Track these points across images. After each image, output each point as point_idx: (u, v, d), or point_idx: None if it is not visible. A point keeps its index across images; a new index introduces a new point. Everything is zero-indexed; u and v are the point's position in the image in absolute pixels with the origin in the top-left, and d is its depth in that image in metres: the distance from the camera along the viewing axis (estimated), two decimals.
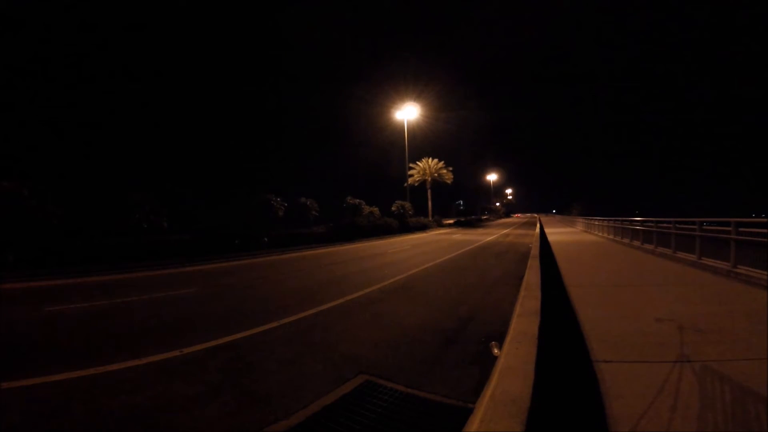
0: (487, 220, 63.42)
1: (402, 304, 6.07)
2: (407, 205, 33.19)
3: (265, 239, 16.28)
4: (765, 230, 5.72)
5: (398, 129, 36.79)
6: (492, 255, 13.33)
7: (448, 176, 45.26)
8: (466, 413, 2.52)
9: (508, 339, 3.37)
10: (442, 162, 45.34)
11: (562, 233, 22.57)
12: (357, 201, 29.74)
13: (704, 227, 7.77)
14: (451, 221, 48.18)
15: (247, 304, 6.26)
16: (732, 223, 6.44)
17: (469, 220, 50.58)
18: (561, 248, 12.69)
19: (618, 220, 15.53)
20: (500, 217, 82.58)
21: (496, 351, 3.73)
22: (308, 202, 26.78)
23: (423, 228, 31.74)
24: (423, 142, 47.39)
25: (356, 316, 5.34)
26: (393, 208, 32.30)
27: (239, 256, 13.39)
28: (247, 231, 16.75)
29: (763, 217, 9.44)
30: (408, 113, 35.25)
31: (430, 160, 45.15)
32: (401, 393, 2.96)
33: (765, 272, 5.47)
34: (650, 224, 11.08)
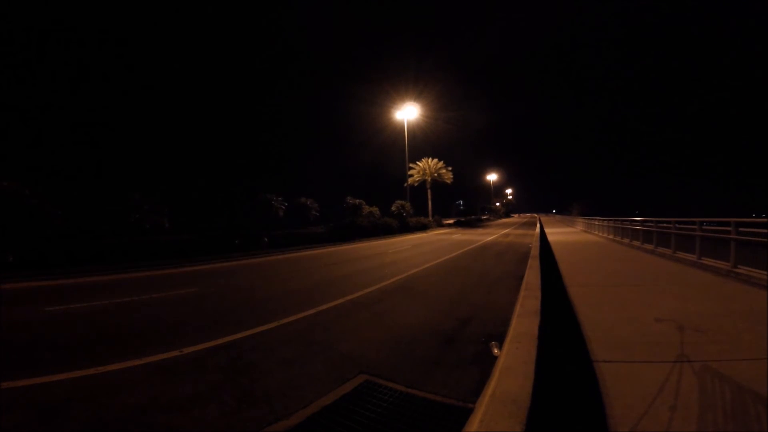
0: (487, 220, 63.40)
1: (402, 304, 6.07)
2: (407, 205, 33.21)
3: (265, 239, 16.29)
4: (765, 230, 5.72)
5: (398, 129, 36.84)
6: (492, 255, 13.33)
7: (448, 176, 45.25)
8: (466, 413, 2.52)
9: (508, 339, 3.37)
10: (442, 162, 45.38)
11: (562, 233, 22.56)
12: (357, 201, 29.77)
13: (704, 227, 7.77)
14: (451, 221, 48.17)
15: (247, 304, 6.26)
16: (732, 223, 6.43)
17: (469, 220, 50.57)
18: (561, 248, 12.69)
19: (618, 220, 15.52)
20: (500, 217, 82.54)
21: (495, 351, 3.73)
22: (308, 202, 26.83)
23: (423, 228, 31.73)
24: (423, 142, 47.42)
25: (356, 316, 5.34)
26: (393, 208, 32.32)
27: (239, 256, 13.39)
28: (247, 231, 16.76)
29: (763, 217, 9.42)
30: (408, 113, 35.26)
31: (430, 160, 45.14)
32: (401, 393, 2.96)
33: (765, 272, 5.47)
34: (650, 224, 11.08)
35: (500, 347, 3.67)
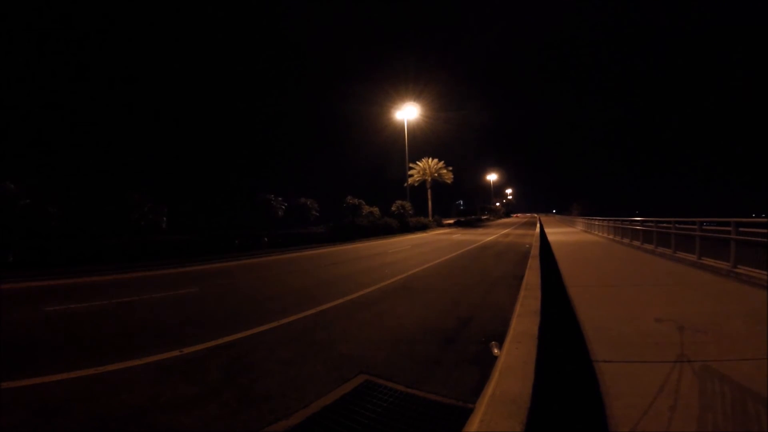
0: (487, 220, 63.42)
1: (402, 304, 6.07)
2: (407, 205, 33.21)
3: (265, 239, 16.30)
4: (765, 230, 5.72)
5: (398, 129, 36.84)
6: (492, 255, 13.33)
7: (448, 176, 45.25)
8: (466, 413, 2.52)
9: (508, 339, 3.37)
10: (442, 162, 45.39)
11: (562, 233, 22.56)
12: (357, 201, 29.79)
13: (704, 227, 7.77)
14: (451, 221, 48.19)
15: (247, 304, 6.26)
16: (732, 223, 6.44)
17: (469, 220, 50.61)
18: (561, 248, 12.69)
19: (618, 220, 15.52)
20: (500, 217, 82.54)
21: (496, 351, 3.73)
22: (308, 202, 26.86)
23: (423, 228, 31.73)
24: (423, 142, 47.43)
25: (356, 316, 5.34)
26: (393, 208, 32.33)
27: (239, 256, 13.38)
28: (247, 231, 16.78)
29: (763, 217, 9.43)
30: (408, 113, 35.27)
31: (430, 160, 45.14)
32: (401, 393, 2.96)
33: (765, 272, 5.47)
34: (650, 224, 11.08)
35: (500, 347, 3.67)
